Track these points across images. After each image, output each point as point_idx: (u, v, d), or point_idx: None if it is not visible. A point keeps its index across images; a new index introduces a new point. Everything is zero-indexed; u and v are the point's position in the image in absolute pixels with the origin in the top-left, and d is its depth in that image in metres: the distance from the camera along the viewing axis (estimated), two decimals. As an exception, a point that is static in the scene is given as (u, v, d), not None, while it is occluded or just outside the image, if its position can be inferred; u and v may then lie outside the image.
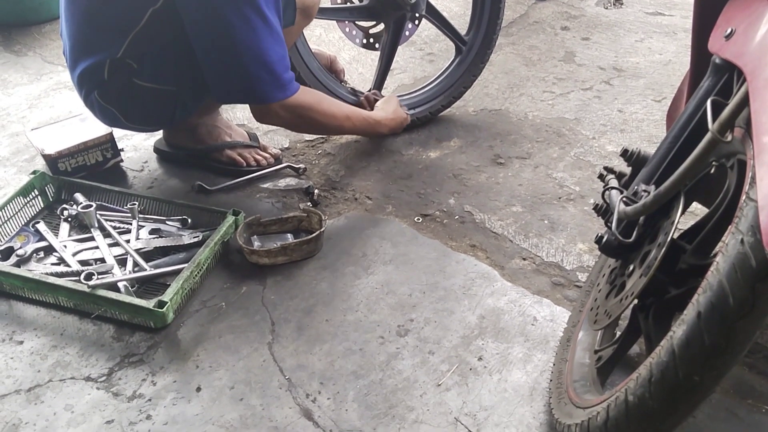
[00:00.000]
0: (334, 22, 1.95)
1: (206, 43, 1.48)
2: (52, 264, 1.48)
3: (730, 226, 0.82)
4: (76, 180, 1.70)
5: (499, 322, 1.38)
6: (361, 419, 1.18)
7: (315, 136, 2.00)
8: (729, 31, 0.96)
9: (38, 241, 1.53)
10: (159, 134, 1.91)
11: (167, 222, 1.61)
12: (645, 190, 1.06)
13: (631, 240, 1.07)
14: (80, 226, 1.60)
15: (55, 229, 1.59)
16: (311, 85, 1.83)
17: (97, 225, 1.57)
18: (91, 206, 1.57)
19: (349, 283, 1.48)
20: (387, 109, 1.89)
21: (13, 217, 1.58)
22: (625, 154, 1.20)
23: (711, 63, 1.03)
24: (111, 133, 1.80)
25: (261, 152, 1.85)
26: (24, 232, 1.57)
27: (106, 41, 1.54)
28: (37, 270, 1.43)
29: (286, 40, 1.62)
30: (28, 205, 1.63)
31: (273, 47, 1.49)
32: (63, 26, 1.61)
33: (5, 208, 1.56)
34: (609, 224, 1.11)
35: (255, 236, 1.59)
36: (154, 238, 1.55)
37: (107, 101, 1.62)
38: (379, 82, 1.99)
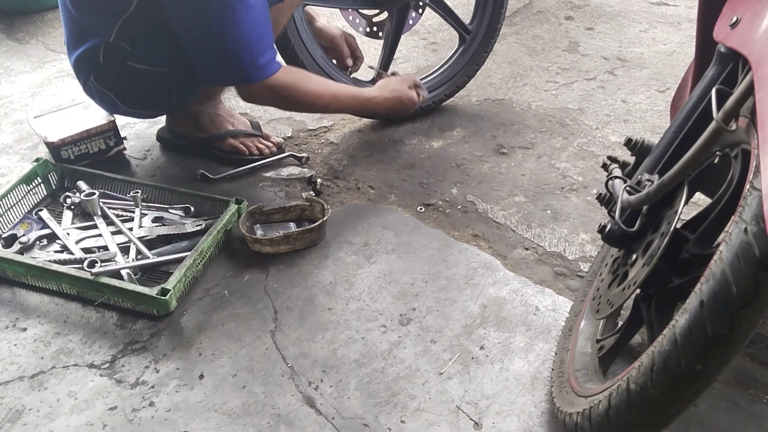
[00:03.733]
0: (338, 10, 1.94)
1: (187, 24, 1.46)
2: (55, 251, 1.48)
3: (733, 216, 0.82)
4: (79, 168, 1.70)
5: (501, 312, 1.38)
6: (363, 407, 1.19)
7: (317, 125, 2.00)
8: (734, 19, 0.96)
9: (41, 228, 1.54)
10: (162, 122, 1.91)
11: (170, 210, 1.61)
12: (648, 180, 1.06)
13: (634, 229, 1.07)
14: (83, 213, 1.60)
15: (58, 216, 1.59)
16: (313, 72, 1.82)
17: (100, 213, 1.57)
18: (94, 194, 1.57)
19: (351, 272, 1.48)
20: (383, 87, 1.79)
21: (16, 205, 1.58)
22: (629, 144, 1.20)
23: (716, 52, 1.03)
24: (114, 121, 1.80)
25: (263, 141, 1.85)
26: (27, 220, 1.57)
27: (98, 26, 1.54)
28: (41, 257, 1.44)
29: (277, 18, 1.61)
30: (31, 192, 1.63)
31: (250, 27, 1.46)
32: (60, 14, 1.62)
33: (8, 195, 1.56)
34: (612, 214, 1.11)
35: (258, 225, 1.59)
36: (157, 226, 1.56)
37: (104, 85, 1.63)
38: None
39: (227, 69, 1.52)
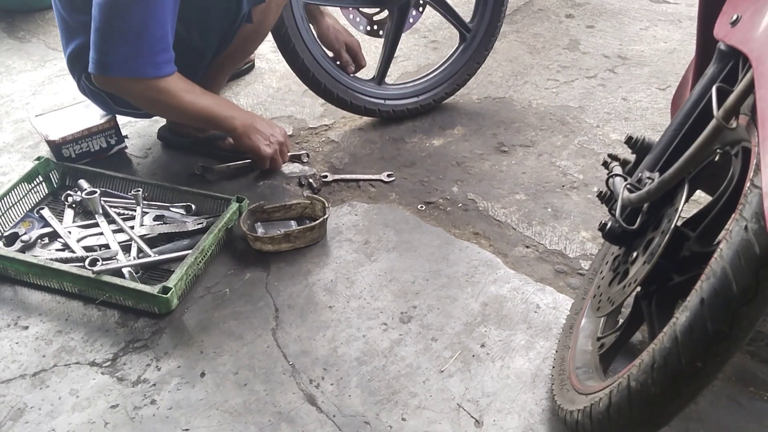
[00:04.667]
0: (338, 9, 1.94)
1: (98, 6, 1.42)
2: (57, 250, 1.49)
3: (734, 214, 0.82)
4: (80, 166, 1.71)
5: (502, 310, 1.38)
6: (364, 405, 1.19)
7: (318, 123, 2.00)
8: (735, 17, 0.96)
9: (43, 227, 1.54)
10: (163, 121, 1.91)
11: (171, 208, 1.61)
12: (649, 177, 1.06)
13: (634, 227, 1.07)
14: (84, 212, 1.60)
15: (59, 215, 1.59)
16: (314, 71, 1.82)
17: (101, 211, 1.57)
18: (95, 192, 1.57)
19: (352, 270, 1.48)
20: (255, 115, 1.72)
21: (18, 203, 1.59)
22: (630, 141, 1.20)
23: (716, 50, 1.03)
24: (115, 120, 1.80)
25: (264, 139, 1.85)
26: (28, 218, 1.57)
27: (83, 25, 1.54)
28: (42, 256, 1.44)
29: (262, 19, 1.60)
30: (32, 191, 1.63)
31: (156, 22, 1.41)
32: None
33: (10, 194, 1.56)
34: (613, 211, 1.11)
35: (259, 223, 1.59)
36: (158, 224, 1.56)
37: (95, 85, 1.63)
38: (383, 70, 1.98)
39: (122, 57, 1.44)
